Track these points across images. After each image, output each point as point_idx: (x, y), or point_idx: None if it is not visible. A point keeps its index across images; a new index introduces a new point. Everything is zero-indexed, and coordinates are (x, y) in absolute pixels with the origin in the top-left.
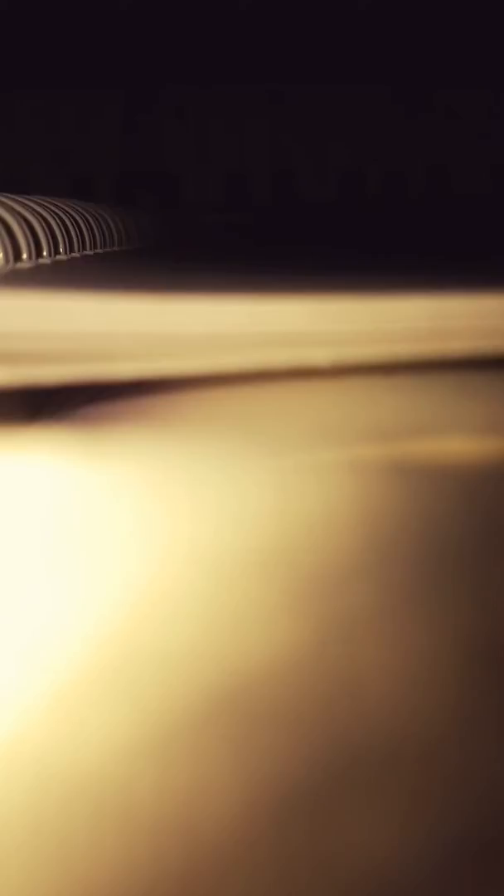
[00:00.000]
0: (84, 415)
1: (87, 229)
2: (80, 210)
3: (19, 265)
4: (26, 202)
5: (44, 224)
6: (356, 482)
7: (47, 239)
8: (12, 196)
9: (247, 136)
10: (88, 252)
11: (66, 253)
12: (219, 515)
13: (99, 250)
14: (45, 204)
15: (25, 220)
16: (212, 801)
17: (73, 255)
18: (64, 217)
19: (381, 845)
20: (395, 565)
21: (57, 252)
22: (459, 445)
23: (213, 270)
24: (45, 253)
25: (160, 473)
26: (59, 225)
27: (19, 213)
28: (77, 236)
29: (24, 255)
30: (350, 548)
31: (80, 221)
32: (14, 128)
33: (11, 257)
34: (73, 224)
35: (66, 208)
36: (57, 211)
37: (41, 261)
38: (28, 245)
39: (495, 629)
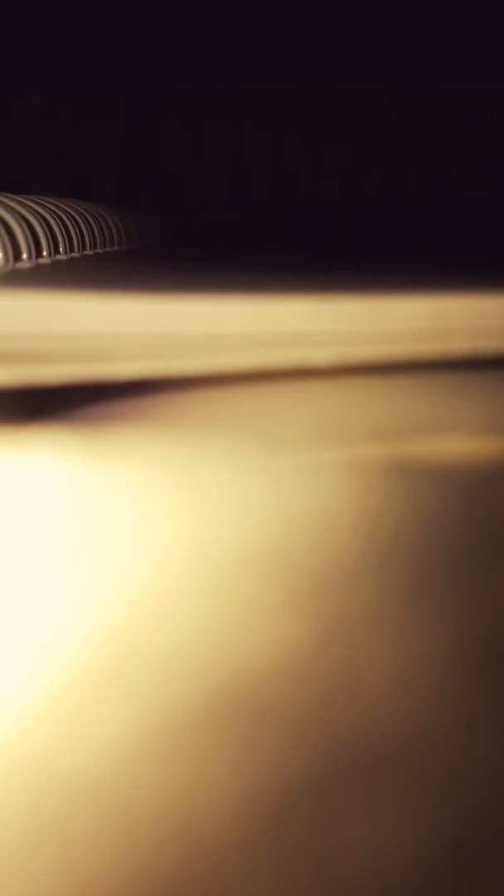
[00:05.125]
0: (84, 415)
1: (87, 229)
2: (80, 210)
3: (19, 265)
4: (26, 202)
5: (44, 224)
6: (356, 482)
7: (47, 239)
8: (12, 196)
9: (247, 136)
10: (88, 252)
11: (66, 253)
12: (218, 515)
13: (99, 250)
14: (45, 204)
15: (25, 220)
16: (212, 801)
17: (73, 255)
18: (64, 217)
19: (381, 845)
20: (394, 565)
21: (57, 252)
22: (459, 445)
23: (213, 270)
24: (45, 253)
25: (160, 473)
26: (59, 225)
27: (19, 213)
28: (77, 236)
29: (24, 255)
30: (350, 548)
31: (80, 221)
32: (14, 128)
33: (11, 257)
34: (73, 224)
35: (66, 208)
36: (57, 211)
37: (41, 261)
38: (28, 245)
39: (495, 630)
